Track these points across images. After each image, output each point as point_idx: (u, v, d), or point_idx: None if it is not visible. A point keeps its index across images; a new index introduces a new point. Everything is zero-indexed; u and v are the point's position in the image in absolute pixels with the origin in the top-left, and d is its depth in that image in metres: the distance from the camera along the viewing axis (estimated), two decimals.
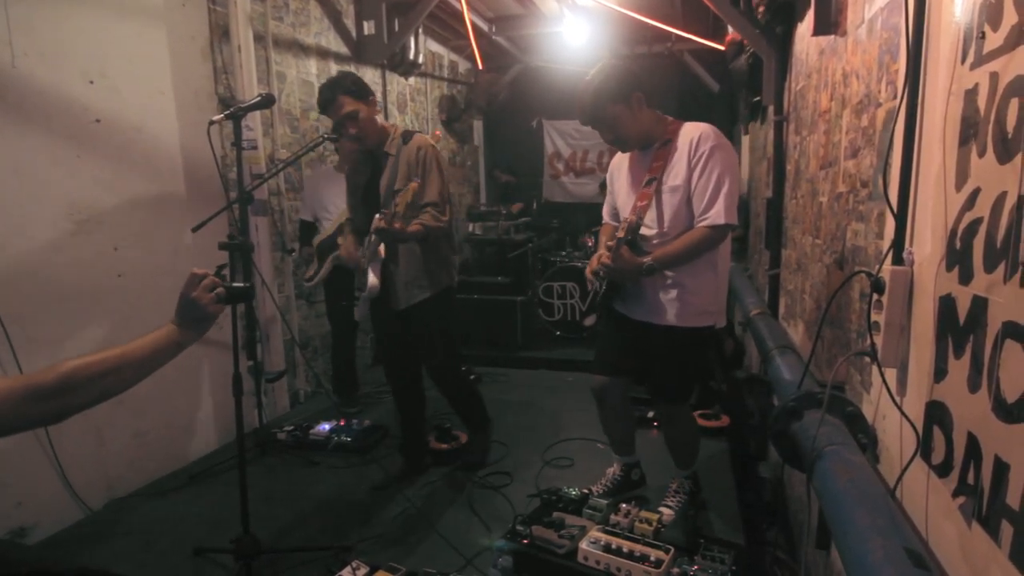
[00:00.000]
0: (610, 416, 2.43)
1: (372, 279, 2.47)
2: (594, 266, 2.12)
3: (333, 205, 3.42)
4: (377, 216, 2.26)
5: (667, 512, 2.24)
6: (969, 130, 0.95)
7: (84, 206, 2.48)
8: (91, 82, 2.51)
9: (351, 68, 4.37)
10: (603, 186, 5.58)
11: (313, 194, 3.50)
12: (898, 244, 1.22)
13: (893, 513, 1.01)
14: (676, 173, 2.01)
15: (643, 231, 2.06)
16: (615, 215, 2.31)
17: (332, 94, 2.38)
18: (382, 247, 2.47)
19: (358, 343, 3.73)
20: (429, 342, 2.66)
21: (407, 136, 2.52)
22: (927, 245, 1.12)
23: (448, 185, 2.55)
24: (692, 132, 2.01)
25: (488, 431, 3.00)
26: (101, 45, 2.55)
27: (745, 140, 5.47)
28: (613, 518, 2.10)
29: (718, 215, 1.94)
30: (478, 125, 7.04)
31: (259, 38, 3.37)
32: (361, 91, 2.42)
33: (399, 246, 2.50)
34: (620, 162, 2.27)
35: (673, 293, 2.08)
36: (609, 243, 2.05)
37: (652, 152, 2.09)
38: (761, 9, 2.92)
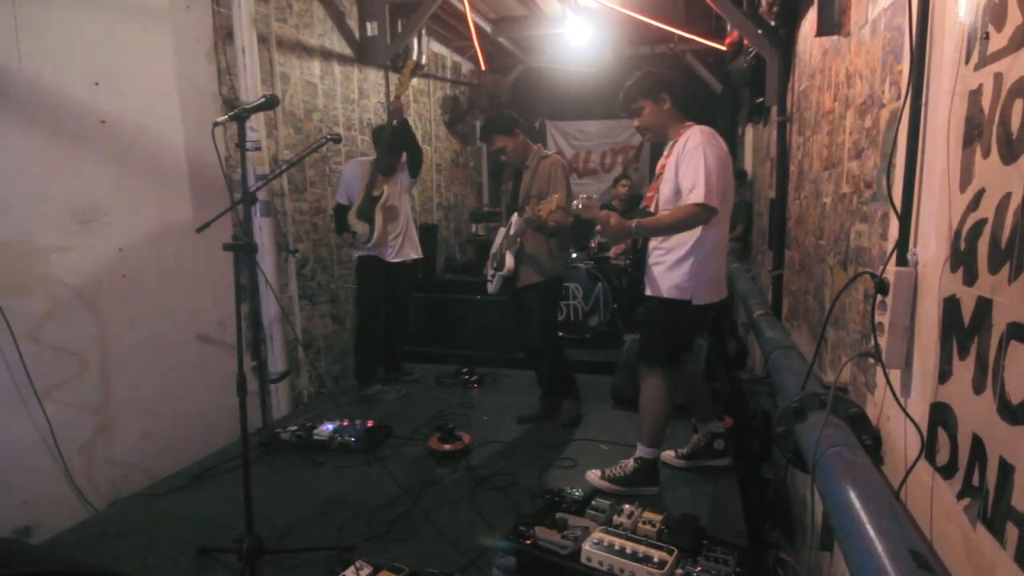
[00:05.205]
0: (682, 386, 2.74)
1: (510, 261, 3.14)
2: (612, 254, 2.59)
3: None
4: (528, 208, 2.92)
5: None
6: (973, 131, 0.95)
7: (88, 207, 2.49)
8: (96, 83, 2.52)
9: (354, 69, 4.38)
10: (621, 177, 5.77)
11: (351, 182, 3.66)
12: (902, 245, 1.22)
13: (897, 514, 1.01)
14: (670, 168, 2.39)
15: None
16: None
17: (488, 134, 3.22)
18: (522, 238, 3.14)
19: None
20: (532, 319, 3.24)
21: (544, 156, 3.19)
22: (931, 246, 1.11)
23: (571, 194, 3.05)
24: (688, 134, 2.35)
25: (579, 401, 3.47)
26: (106, 47, 2.56)
27: (748, 140, 5.46)
28: (616, 519, 2.09)
29: (699, 195, 2.24)
30: (481, 126, 7.03)
31: (263, 39, 3.38)
32: (508, 127, 3.13)
33: (526, 239, 3.15)
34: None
35: (656, 269, 2.50)
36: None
37: (665, 151, 2.48)
38: (775, 10, 2.93)
